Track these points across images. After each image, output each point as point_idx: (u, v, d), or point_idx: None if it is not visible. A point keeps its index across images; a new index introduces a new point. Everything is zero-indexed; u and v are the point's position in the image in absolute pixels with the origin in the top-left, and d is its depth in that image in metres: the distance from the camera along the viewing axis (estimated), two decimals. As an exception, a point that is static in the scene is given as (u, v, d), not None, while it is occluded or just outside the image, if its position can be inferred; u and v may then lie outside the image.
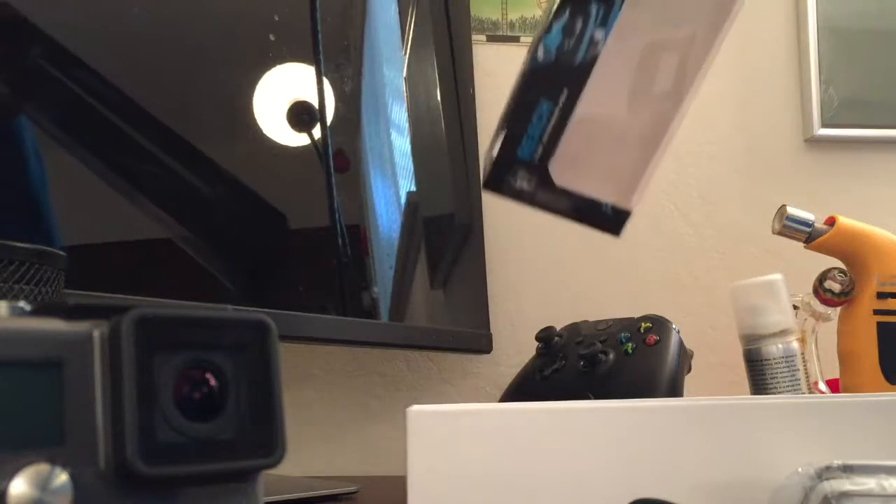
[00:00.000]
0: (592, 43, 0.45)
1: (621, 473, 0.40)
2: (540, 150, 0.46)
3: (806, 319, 0.81)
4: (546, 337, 0.74)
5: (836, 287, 0.78)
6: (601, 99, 0.46)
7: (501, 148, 0.47)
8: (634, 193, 0.49)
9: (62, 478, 0.22)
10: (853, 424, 0.43)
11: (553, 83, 0.46)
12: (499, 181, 0.47)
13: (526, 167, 0.47)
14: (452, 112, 0.95)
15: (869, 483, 0.34)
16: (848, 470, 0.35)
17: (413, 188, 0.89)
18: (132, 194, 0.60)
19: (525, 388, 0.73)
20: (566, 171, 0.47)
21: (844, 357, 0.80)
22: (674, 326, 0.69)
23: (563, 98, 0.46)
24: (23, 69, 0.54)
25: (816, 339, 0.82)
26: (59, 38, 0.56)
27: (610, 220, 0.49)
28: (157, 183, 0.61)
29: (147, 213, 0.61)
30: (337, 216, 0.75)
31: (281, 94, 0.73)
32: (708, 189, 1.05)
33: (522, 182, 0.47)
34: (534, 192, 0.47)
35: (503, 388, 0.77)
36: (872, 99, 1.08)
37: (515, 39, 1.02)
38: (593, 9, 0.45)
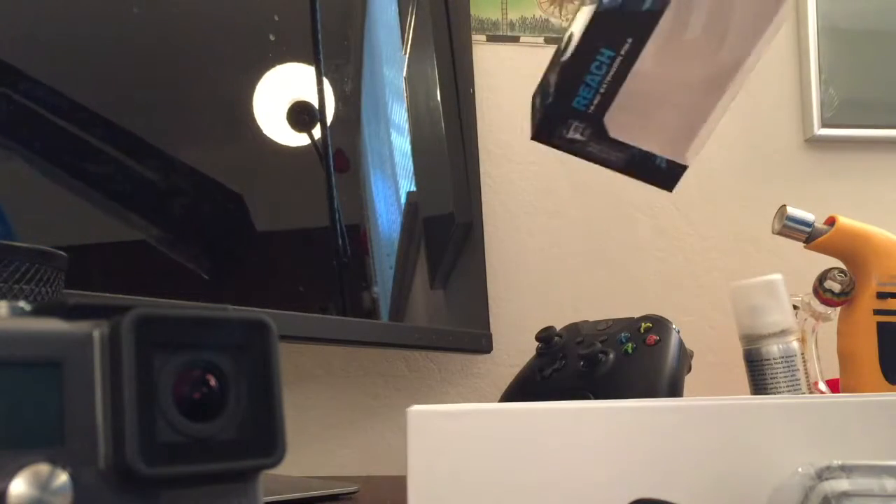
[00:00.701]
0: None
1: (621, 473, 0.40)
2: (597, 100, 0.45)
3: (806, 319, 0.81)
4: (546, 337, 0.74)
5: (836, 287, 0.78)
6: (665, 52, 0.44)
7: (555, 97, 0.45)
8: (690, 148, 0.47)
9: (62, 478, 0.22)
10: (853, 424, 0.43)
11: (617, 31, 0.44)
12: (550, 131, 0.45)
13: (580, 118, 0.45)
14: (452, 112, 0.95)
15: (869, 483, 0.34)
16: (848, 470, 0.35)
17: (413, 188, 0.89)
18: (120, 198, 0.60)
19: (525, 388, 0.73)
20: (622, 123, 0.45)
21: (844, 357, 0.80)
22: (674, 326, 0.69)
23: (625, 48, 0.44)
24: (23, 69, 0.54)
25: (816, 339, 0.82)
26: (60, 38, 0.56)
27: (663, 174, 0.48)
28: (132, 183, 0.61)
29: (127, 216, 0.61)
30: (337, 216, 0.75)
31: (281, 94, 0.73)
32: (708, 189, 1.05)
33: (576, 133, 0.45)
34: (587, 142, 0.45)
35: (503, 388, 0.77)
36: (872, 99, 1.08)
37: (515, 39, 1.02)
38: None
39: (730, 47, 0.46)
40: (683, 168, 0.48)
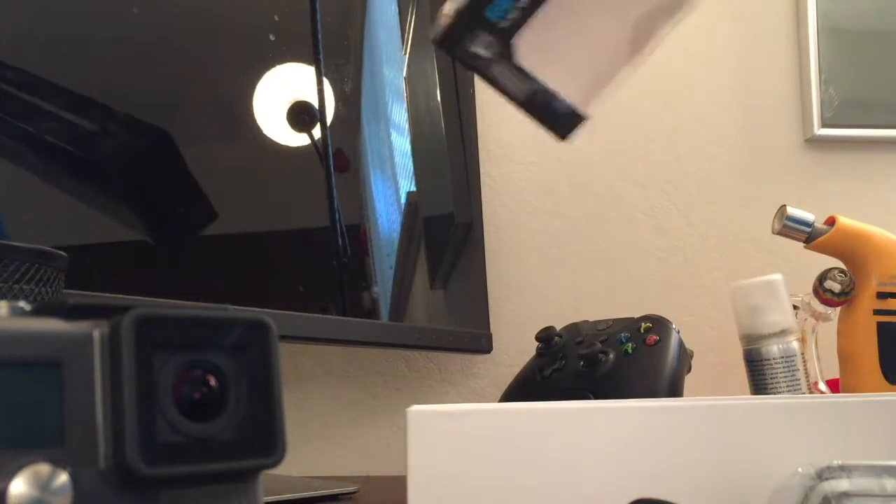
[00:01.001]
0: None
1: (621, 473, 0.40)
2: (513, 14, 0.40)
3: (806, 319, 0.81)
4: (546, 337, 0.74)
5: (836, 287, 0.78)
6: None
7: (468, 3, 0.40)
8: (594, 100, 0.43)
9: (62, 478, 0.22)
10: (853, 424, 0.43)
11: None
12: (454, 40, 0.41)
13: (490, 31, 0.40)
14: (452, 112, 0.95)
15: (869, 483, 0.34)
16: (848, 470, 0.35)
17: (413, 188, 0.89)
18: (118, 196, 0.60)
19: (525, 388, 0.73)
20: (532, 49, 0.41)
21: (844, 357, 0.80)
22: (674, 326, 0.69)
23: None
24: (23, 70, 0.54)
25: (816, 339, 0.82)
26: (59, 38, 0.56)
27: (560, 119, 0.43)
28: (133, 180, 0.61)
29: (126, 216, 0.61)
30: (337, 216, 0.75)
31: (281, 94, 0.73)
32: (708, 189, 1.05)
33: (480, 47, 0.41)
34: (490, 61, 0.41)
35: (503, 388, 0.77)
36: (872, 99, 1.08)
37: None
38: None
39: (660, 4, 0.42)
40: (582, 119, 0.43)
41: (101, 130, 0.58)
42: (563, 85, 0.42)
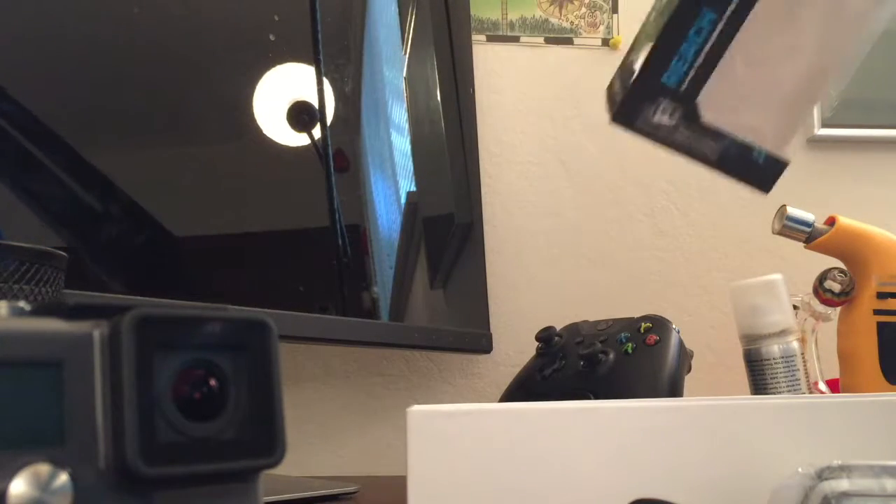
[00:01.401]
0: None
1: (621, 473, 0.40)
2: (691, 74, 0.38)
3: (806, 319, 0.81)
4: (546, 337, 0.74)
5: (836, 287, 0.78)
6: (771, 20, 0.37)
7: (643, 71, 0.38)
8: (790, 142, 0.41)
9: (62, 478, 0.22)
10: (853, 424, 0.43)
11: None
12: (633, 112, 0.39)
13: (670, 95, 0.38)
14: (452, 112, 0.95)
15: (869, 483, 0.34)
16: (848, 470, 0.35)
17: (413, 188, 0.89)
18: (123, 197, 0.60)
19: (525, 388, 0.73)
20: (717, 105, 0.38)
21: (844, 357, 0.80)
22: (674, 326, 0.69)
23: (730, 8, 0.37)
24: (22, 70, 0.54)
25: (816, 339, 0.82)
26: (59, 38, 0.56)
27: (760, 171, 0.41)
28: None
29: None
30: (337, 216, 0.75)
31: (281, 94, 0.73)
32: (708, 189, 1.05)
33: (663, 115, 0.39)
34: (675, 128, 0.39)
35: (503, 388, 0.77)
36: (872, 99, 1.08)
37: (515, 39, 1.02)
38: None
39: (831, 41, 0.39)
40: (784, 165, 0.42)
41: (99, 130, 0.58)
42: (757, 133, 0.40)
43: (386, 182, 0.86)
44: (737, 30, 0.37)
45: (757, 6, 0.37)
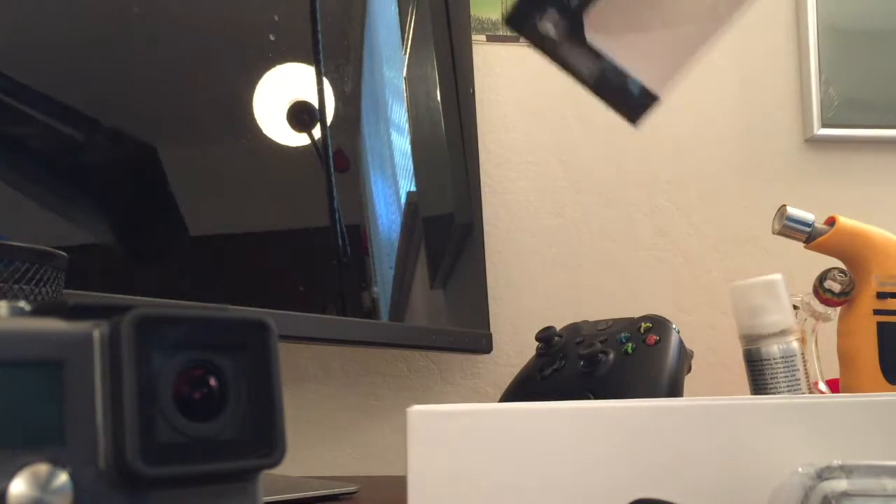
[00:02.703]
0: None
1: (621, 473, 0.40)
2: None
3: (806, 319, 0.81)
4: (546, 337, 0.74)
5: (836, 287, 0.78)
6: None
7: None
8: (668, 82, 0.41)
9: (62, 478, 0.22)
10: (853, 424, 0.43)
11: None
12: (522, 18, 0.39)
13: (559, 7, 0.38)
14: (452, 112, 0.95)
15: (869, 483, 0.34)
16: (848, 470, 0.35)
17: (413, 188, 0.89)
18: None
19: (525, 388, 0.73)
20: (604, 26, 0.39)
21: (844, 357, 0.80)
22: (674, 326, 0.69)
23: None
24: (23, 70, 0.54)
25: (816, 339, 0.82)
26: (59, 38, 0.56)
27: (633, 101, 0.40)
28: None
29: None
30: (337, 216, 0.75)
31: (281, 94, 0.73)
32: (708, 189, 1.05)
33: (549, 25, 0.38)
34: (559, 41, 0.39)
35: (503, 388, 0.77)
36: (872, 99, 1.08)
37: (515, 39, 1.02)
38: None
39: None
40: (655, 100, 0.41)
41: (100, 130, 0.58)
42: (636, 64, 0.40)
43: (386, 182, 0.86)
44: None
45: None
